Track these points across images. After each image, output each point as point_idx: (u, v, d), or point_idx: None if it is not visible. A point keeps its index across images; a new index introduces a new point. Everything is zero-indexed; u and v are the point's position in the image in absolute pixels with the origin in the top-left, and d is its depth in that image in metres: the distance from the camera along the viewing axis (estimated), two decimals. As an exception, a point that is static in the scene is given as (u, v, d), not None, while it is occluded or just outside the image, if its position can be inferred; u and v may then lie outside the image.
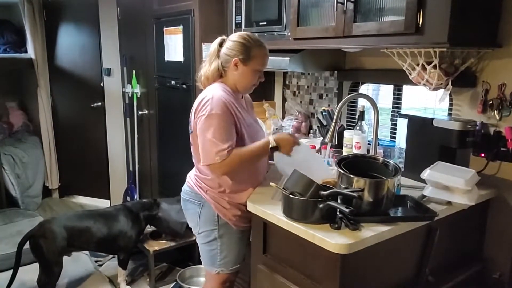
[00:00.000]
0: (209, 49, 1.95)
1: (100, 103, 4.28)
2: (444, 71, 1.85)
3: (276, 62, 2.41)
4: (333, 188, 1.56)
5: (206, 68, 1.91)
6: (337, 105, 2.49)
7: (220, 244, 1.92)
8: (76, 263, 3.13)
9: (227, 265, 1.95)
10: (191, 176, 1.99)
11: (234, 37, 1.85)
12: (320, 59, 2.56)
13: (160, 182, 3.61)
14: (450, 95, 2.03)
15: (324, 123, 2.64)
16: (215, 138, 1.72)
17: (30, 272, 2.95)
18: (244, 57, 1.81)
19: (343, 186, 1.56)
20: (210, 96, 1.77)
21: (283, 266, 1.65)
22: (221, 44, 1.88)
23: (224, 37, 1.90)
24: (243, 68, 1.83)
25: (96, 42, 4.16)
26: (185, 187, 2.01)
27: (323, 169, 1.92)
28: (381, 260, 1.54)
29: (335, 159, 1.95)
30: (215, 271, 1.96)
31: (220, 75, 1.89)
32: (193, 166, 2.05)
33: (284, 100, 3.12)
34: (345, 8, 1.92)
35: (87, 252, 3.39)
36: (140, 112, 3.80)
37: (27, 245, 3.16)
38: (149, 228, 3.17)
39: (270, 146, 1.81)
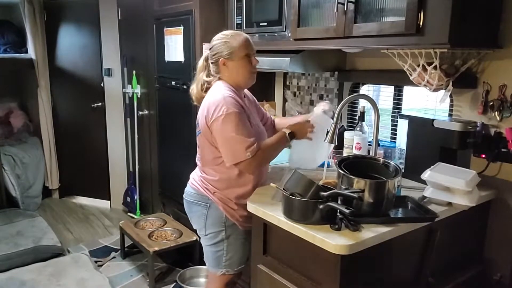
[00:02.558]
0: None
1: (100, 104, 4.28)
2: (444, 72, 1.85)
3: (276, 63, 2.41)
4: (334, 189, 1.55)
5: (194, 84, 1.96)
6: (338, 106, 2.49)
7: (227, 245, 1.92)
8: (76, 263, 3.13)
9: (233, 266, 1.95)
10: (195, 178, 1.97)
11: (211, 43, 1.89)
12: (320, 59, 2.56)
13: (160, 183, 3.61)
14: (450, 96, 2.03)
15: (325, 123, 2.64)
16: (241, 135, 1.73)
17: (30, 272, 2.96)
18: (226, 52, 1.83)
19: (343, 187, 1.56)
20: (221, 96, 1.77)
21: (283, 267, 1.64)
22: (207, 59, 1.92)
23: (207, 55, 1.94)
24: (231, 64, 1.84)
25: (97, 43, 4.16)
26: (189, 190, 1.99)
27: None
28: (381, 261, 1.54)
29: (336, 160, 1.95)
30: (220, 272, 1.95)
31: (206, 88, 1.92)
32: (194, 166, 2.05)
33: (285, 100, 3.12)
34: (345, 9, 1.91)
35: (87, 252, 3.40)
36: (140, 113, 3.81)
37: (26, 245, 3.19)
38: (148, 229, 3.18)
39: (287, 134, 1.87)
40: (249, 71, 1.87)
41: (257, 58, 1.92)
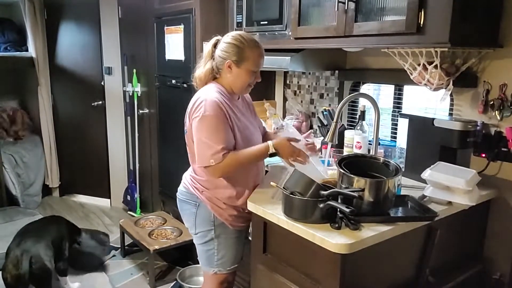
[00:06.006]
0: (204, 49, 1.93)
1: (100, 102, 4.28)
2: (445, 71, 1.85)
3: (277, 62, 2.41)
4: (334, 188, 1.56)
5: (200, 69, 1.90)
6: (338, 105, 2.49)
7: (217, 244, 1.91)
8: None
9: (225, 265, 1.94)
10: (187, 177, 1.98)
11: (227, 39, 1.82)
12: (321, 58, 2.56)
13: (160, 181, 3.61)
14: (451, 95, 2.03)
15: (325, 122, 2.64)
16: (209, 140, 1.71)
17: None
18: (237, 59, 1.79)
19: (343, 186, 1.56)
20: (204, 98, 1.76)
21: (283, 266, 1.64)
22: (215, 45, 1.86)
23: (219, 37, 1.87)
24: (236, 70, 1.81)
25: (97, 41, 4.16)
26: (180, 188, 2.00)
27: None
28: (381, 260, 1.54)
29: (336, 159, 1.95)
30: (212, 271, 1.95)
31: (213, 76, 1.88)
32: (191, 166, 2.05)
33: (285, 99, 3.12)
34: (346, 8, 1.91)
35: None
36: (140, 111, 3.81)
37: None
38: (148, 227, 3.18)
39: (269, 152, 1.77)
40: (245, 84, 1.85)
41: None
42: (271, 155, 1.78)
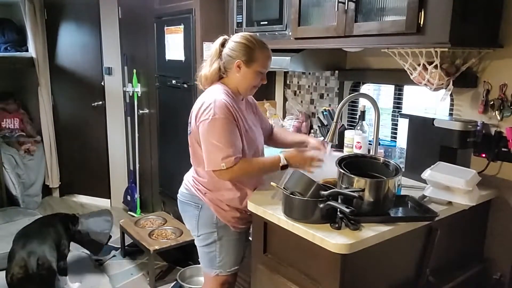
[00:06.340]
0: (210, 48, 1.92)
1: (100, 102, 4.28)
2: (445, 71, 1.85)
3: (277, 62, 2.40)
4: (334, 188, 1.56)
5: (206, 68, 1.88)
6: (338, 105, 2.49)
7: (219, 246, 1.91)
8: (77, 262, 3.13)
9: (225, 267, 1.94)
10: (188, 178, 1.97)
11: (237, 38, 1.81)
12: (321, 58, 2.56)
13: (160, 181, 3.61)
14: (451, 95, 2.03)
15: (325, 122, 2.64)
16: (220, 143, 1.69)
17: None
18: (247, 58, 1.78)
19: (343, 186, 1.56)
20: (213, 99, 1.74)
21: (284, 266, 1.64)
22: (223, 44, 1.84)
23: (226, 36, 1.86)
24: (245, 70, 1.80)
25: (97, 41, 4.16)
26: (182, 189, 1.99)
27: None
28: (381, 260, 1.54)
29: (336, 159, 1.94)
30: (213, 273, 1.95)
31: (220, 76, 1.86)
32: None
33: (285, 99, 3.12)
34: (346, 8, 1.91)
35: (87, 251, 3.40)
36: (140, 111, 3.81)
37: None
38: (148, 228, 3.18)
39: (280, 164, 1.78)
40: (252, 85, 1.84)
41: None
42: (283, 167, 1.78)
